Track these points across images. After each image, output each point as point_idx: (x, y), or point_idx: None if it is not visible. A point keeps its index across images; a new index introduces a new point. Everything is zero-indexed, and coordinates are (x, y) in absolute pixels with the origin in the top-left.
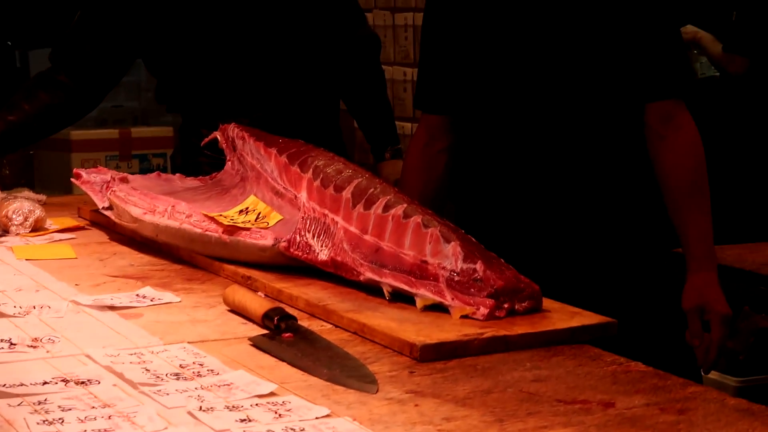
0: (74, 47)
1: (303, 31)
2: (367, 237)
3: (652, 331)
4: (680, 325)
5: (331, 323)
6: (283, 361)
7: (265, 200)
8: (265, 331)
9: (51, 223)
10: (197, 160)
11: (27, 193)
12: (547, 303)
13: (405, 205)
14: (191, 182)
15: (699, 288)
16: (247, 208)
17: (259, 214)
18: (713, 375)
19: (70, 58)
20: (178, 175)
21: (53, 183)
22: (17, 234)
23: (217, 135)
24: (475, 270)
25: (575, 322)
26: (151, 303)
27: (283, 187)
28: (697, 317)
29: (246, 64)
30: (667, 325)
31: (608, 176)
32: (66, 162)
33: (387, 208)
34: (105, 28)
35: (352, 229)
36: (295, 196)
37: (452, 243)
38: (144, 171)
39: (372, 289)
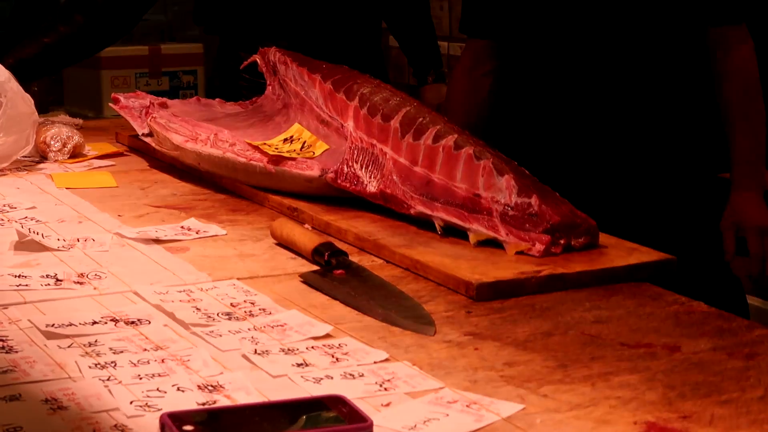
0: None
1: None
2: (417, 168)
3: (709, 269)
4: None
5: (382, 258)
6: (335, 299)
7: (310, 128)
8: (315, 267)
9: (89, 149)
10: (237, 84)
11: (63, 117)
12: (603, 238)
13: (456, 136)
14: (231, 108)
15: (736, 206)
16: (291, 137)
17: (305, 143)
18: (755, 301)
19: None
20: (217, 100)
21: (83, 100)
22: (56, 160)
23: (257, 58)
24: (530, 204)
25: (634, 259)
26: (197, 236)
27: (329, 116)
28: (732, 234)
29: None
30: (723, 263)
31: (664, 107)
32: (96, 79)
33: (437, 138)
34: None
35: (402, 160)
36: (342, 125)
37: (506, 176)
38: (174, 89)
39: (422, 223)
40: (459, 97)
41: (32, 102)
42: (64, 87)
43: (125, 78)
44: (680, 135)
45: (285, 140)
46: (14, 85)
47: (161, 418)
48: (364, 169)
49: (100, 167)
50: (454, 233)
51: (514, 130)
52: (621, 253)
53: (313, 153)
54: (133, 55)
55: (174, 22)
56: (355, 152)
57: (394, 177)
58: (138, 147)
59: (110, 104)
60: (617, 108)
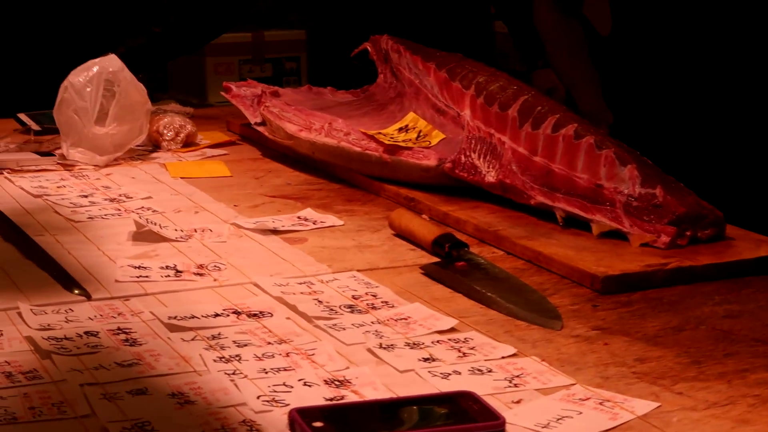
0: None
1: None
2: (536, 158)
3: None
4: None
5: (502, 250)
6: (458, 292)
7: (425, 117)
8: (435, 259)
9: (201, 138)
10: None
11: (174, 105)
12: (729, 230)
13: (576, 125)
14: (343, 96)
15: None
16: (406, 126)
17: (420, 132)
18: None
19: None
20: (329, 88)
21: (187, 87)
22: (168, 150)
23: (368, 46)
24: (654, 195)
25: (763, 252)
26: (314, 226)
27: (445, 104)
28: None
29: None
30: None
31: None
32: (200, 66)
33: (557, 127)
34: None
35: (521, 149)
36: (458, 114)
37: (629, 166)
38: (277, 75)
39: (542, 214)
40: (555, 35)
41: (145, 91)
42: (168, 74)
43: (228, 65)
44: None
45: (400, 129)
46: (127, 74)
47: (290, 414)
48: (482, 159)
49: (213, 156)
50: (575, 224)
51: (633, 117)
52: (749, 245)
53: (430, 142)
54: (236, 42)
55: (272, 7)
56: (473, 142)
57: (513, 167)
58: (250, 136)
59: (222, 93)
60: (741, 94)
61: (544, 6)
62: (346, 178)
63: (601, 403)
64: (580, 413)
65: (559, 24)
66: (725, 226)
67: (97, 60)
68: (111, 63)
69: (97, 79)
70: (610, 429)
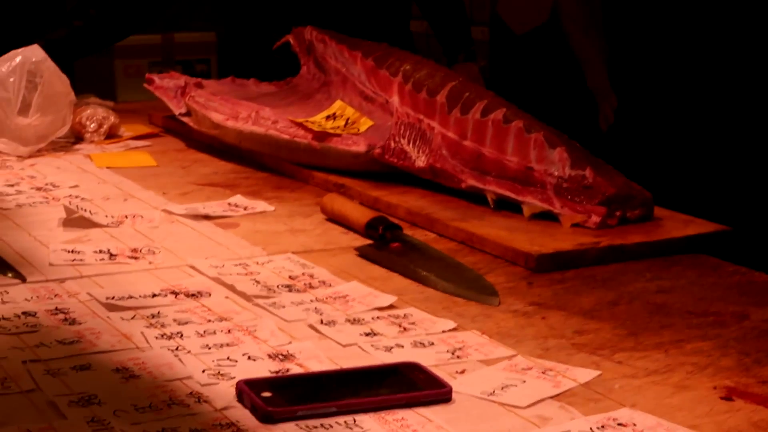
0: None
1: None
2: (466, 143)
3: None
4: None
5: (435, 232)
6: (394, 271)
7: (353, 105)
8: (369, 241)
9: (124, 131)
10: (269, 65)
11: (94, 99)
12: (657, 211)
13: (504, 110)
14: (267, 87)
15: None
16: (334, 114)
17: (348, 119)
18: None
19: None
20: (252, 79)
21: (95, 89)
22: (92, 141)
23: (290, 38)
24: (584, 176)
25: (691, 231)
26: (245, 212)
27: (372, 92)
28: None
29: None
30: None
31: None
32: (108, 68)
33: (486, 112)
34: None
35: (450, 134)
36: (386, 101)
37: (558, 148)
38: None
39: (473, 197)
40: (573, 8)
41: (68, 82)
42: (75, 75)
43: (138, 67)
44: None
45: (328, 117)
46: (50, 64)
47: (238, 384)
48: (411, 144)
49: (137, 147)
50: (507, 206)
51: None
52: (677, 224)
53: (358, 129)
54: (145, 44)
55: (184, 12)
56: (402, 127)
57: (443, 151)
58: (173, 128)
59: (145, 84)
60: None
61: None
62: (273, 167)
63: (543, 372)
64: (524, 381)
65: None
66: (653, 207)
67: (19, 50)
68: (34, 53)
69: (20, 70)
70: (554, 396)
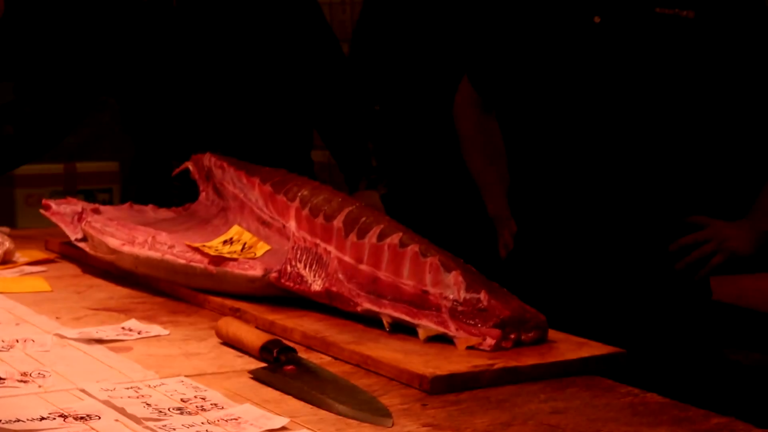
0: (40, 79)
1: (272, 58)
2: (362, 267)
3: (661, 362)
4: (690, 355)
5: (330, 355)
6: (288, 394)
7: (251, 230)
8: (264, 364)
9: (19, 256)
10: (168, 192)
11: None
12: (551, 333)
13: (401, 234)
14: (165, 213)
15: (738, 230)
16: (231, 238)
17: (245, 244)
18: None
19: (35, 91)
20: (150, 206)
21: None
22: None
23: (189, 165)
24: (479, 299)
25: (585, 353)
26: (139, 336)
27: (270, 217)
28: (701, 237)
29: (214, 94)
30: (675, 355)
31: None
32: (9, 197)
33: (382, 236)
34: (70, 60)
35: (347, 258)
36: (284, 226)
37: (453, 272)
38: None
39: (369, 320)
40: (473, 134)
41: None
42: None
43: (40, 196)
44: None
45: (225, 242)
46: None
47: None
48: (308, 269)
49: (32, 273)
50: (402, 330)
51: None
52: (571, 346)
53: (255, 254)
54: (47, 174)
55: (86, 144)
56: (298, 252)
57: (340, 275)
58: (70, 254)
59: (41, 210)
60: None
61: (465, 102)
62: (169, 292)
63: None
64: None
65: (477, 122)
66: (548, 330)
67: None
68: None
69: None
70: None
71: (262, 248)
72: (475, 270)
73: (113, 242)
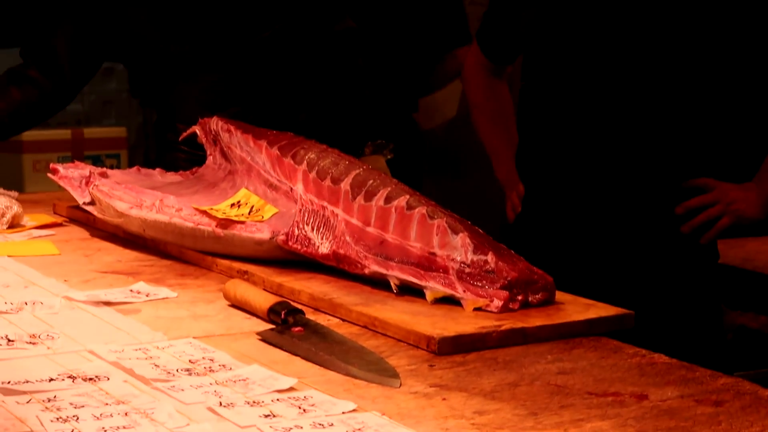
0: (46, 42)
1: (281, 24)
2: (370, 229)
3: (667, 324)
4: (696, 318)
5: (338, 317)
6: (296, 355)
7: (258, 193)
8: (271, 326)
9: (27, 220)
10: (174, 156)
11: None
12: (558, 295)
13: (407, 197)
14: (172, 177)
15: (746, 192)
16: (239, 201)
17: (253, 207)
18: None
19: (41, 54)
20: (158, 169)
21: (4, 184)
22: None
23: (196, 129)
24: (486, 261)
25: (592, 314)
26: (147, 298)
27: (277, 180)
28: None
29: (225, 58)
30: (684, 318)
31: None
32: (17, 163)
33: (389, 199)
34: (78, 22)
35: (354, 221)
36: (291, 189)
37: (460, 234)
38: None
39: (377, 283)
40: (482, 99)
41: None
42: None
43: (47, 162)
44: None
45: (232, 205)
46: None
47: None
48: (315, 231)
49: (40, 237)
50: (410, 292)
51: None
52: (578, 308)
53: (262, 217)
54: (55, 139)
55: (91, 112)
56: (306, 214)
57: (347, 238)
58: (77, 218)
59: (49, 174)
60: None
61: (472, 67)
62: (177, 255)
63: None
64: None
65: (486, 87)
66: (555, 291)
67: None
68: None
69: None
70: None
71: (269, 211)
72: (482, 232)
73: (121, 205)
